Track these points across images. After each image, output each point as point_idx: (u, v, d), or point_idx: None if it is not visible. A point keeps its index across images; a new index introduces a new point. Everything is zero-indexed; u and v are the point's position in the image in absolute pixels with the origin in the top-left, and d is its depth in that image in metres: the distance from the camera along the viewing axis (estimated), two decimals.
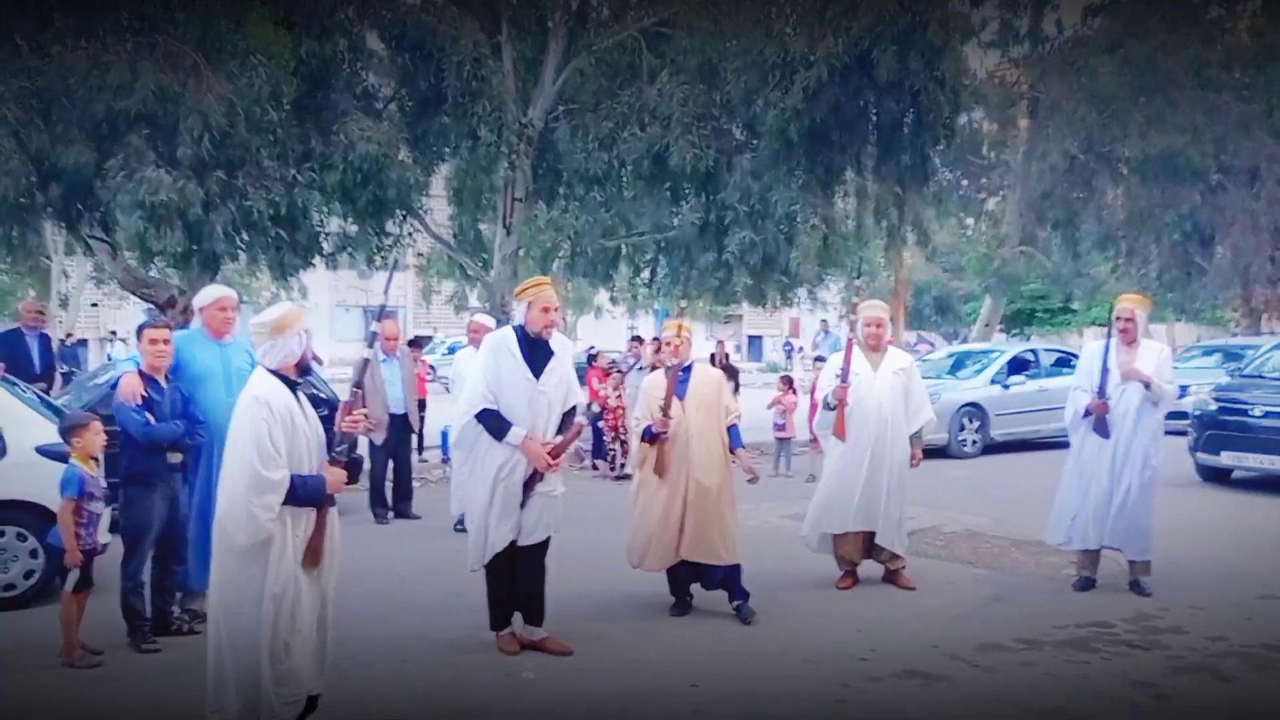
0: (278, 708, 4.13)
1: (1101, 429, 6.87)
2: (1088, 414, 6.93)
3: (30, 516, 6.33)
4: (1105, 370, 6.88)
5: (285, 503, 4.11)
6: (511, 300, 6.07)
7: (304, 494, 4.16)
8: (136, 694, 5.06)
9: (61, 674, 5.33)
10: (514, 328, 5.67)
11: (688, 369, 6.42)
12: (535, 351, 5.56)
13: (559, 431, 5.59)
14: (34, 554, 6.49)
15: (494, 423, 5.45)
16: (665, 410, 6.20)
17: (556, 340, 5.70)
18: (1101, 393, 6.86)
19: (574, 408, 5.70)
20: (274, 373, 4.29)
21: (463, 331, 13.03)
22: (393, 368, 9.75)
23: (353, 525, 9.44)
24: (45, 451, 6.23)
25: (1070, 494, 7.06)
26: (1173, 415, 7.60)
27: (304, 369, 4.40)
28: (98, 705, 4.97)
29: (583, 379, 12.94)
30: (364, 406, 4.45)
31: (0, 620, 6.18)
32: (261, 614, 4.07)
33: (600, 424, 12.85)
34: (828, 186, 14.39)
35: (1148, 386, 6.79)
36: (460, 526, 9.00)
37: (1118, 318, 7.01)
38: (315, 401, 8.98)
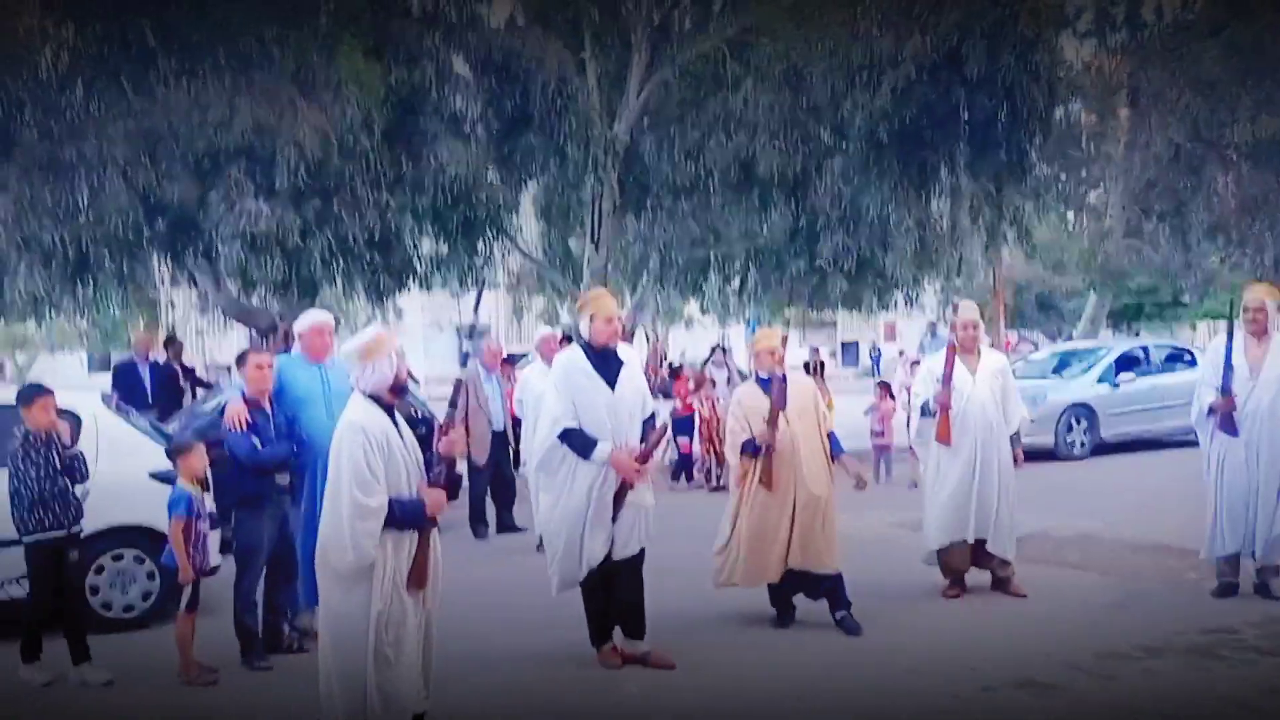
0: None
1: (1228, 426, 6.58)
2: (1212, 412, 6.66)
3: (146, 540, 6.59)
4: (1229, 365, 6.60)
5: (385, 526, 4.17)
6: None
7: (404, 517, 4.22)
8: (251, 712, 5.21)
9: (180, 692, 5.51)
10: (580, 344, 5.72)
11: (784, 378, 6.38)
12: (605, 363, 5.60)
13: (641, 440, 5.60)
14: (151, 576, 6.75)
15: (579, 440, 5.48)
16: (772, 422, 6.17)
17: (623, 349, 5.75)
18: (1225, 389, 6.58)
19: (653, 414, 5.72)
20: (370, 397, 4.35)
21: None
22: (494, 385, 9.89)
23: (453, 542, 9.59)
24: (158, 477, 6.46)
25: (1217, 500, 6.72)
26: None
27: (399, 390, 4.44)
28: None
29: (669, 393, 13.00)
30: (461, 426, 4.51)
31: (121, 641, 6.42)
32: (368, 637, 4.15)
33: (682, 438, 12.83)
34: (921, 187, 14.19)
35: None
36: (542, 548, 9.18)
37: (1245, 308, 6.69)
38: (412, 422, 9.17)
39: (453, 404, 4.57)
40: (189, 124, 10.86)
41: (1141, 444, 14.11)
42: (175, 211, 11.23)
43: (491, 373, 9.94)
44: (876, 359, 45.26)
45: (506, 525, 9.99)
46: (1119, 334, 33.47)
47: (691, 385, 13.03)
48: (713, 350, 14.67)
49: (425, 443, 4.57)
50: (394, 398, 4.42)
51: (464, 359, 6.62)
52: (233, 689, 5.53)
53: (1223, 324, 6.90)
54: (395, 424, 4.36)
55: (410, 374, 4.53)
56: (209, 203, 10.94)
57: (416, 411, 10.28)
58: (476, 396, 9.65)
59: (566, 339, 11.17)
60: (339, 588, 4.22)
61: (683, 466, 13.04)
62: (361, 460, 4.15)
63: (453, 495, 10.17)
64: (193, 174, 11.10)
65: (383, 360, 4.36)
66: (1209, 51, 18.10)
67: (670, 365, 15.67)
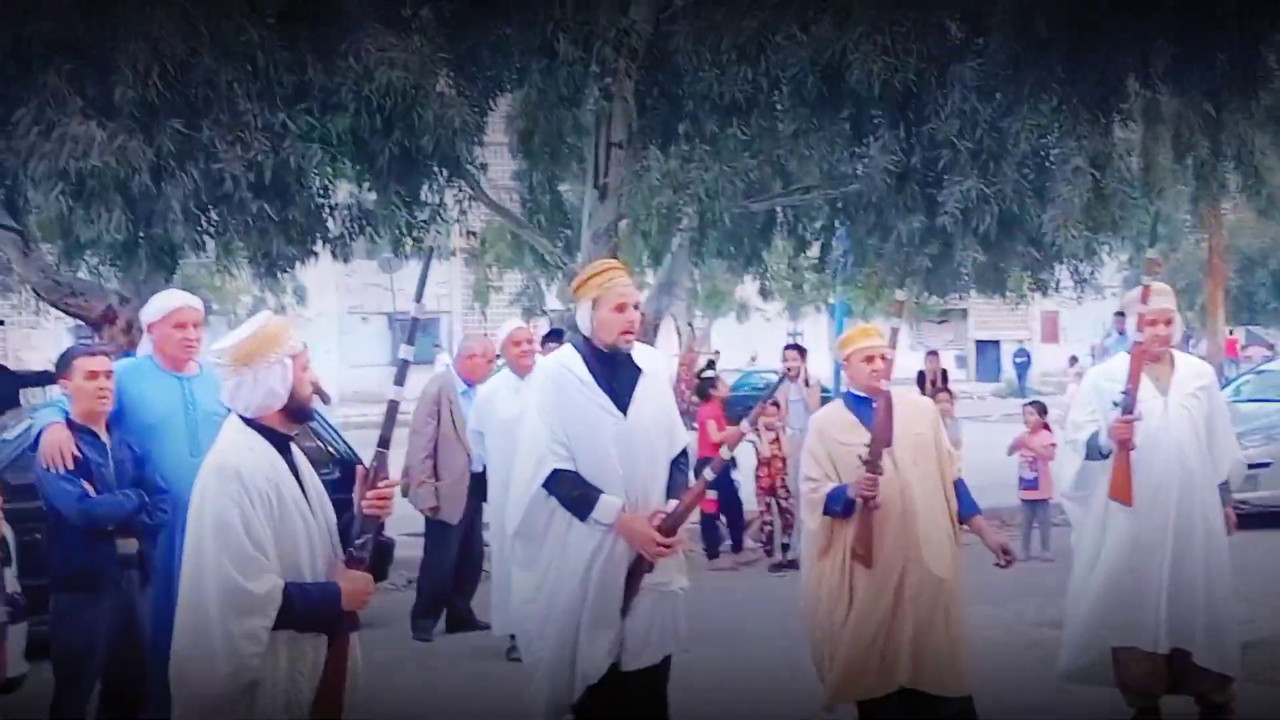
0: None
1: None
2: None
3: None
4: None
5: (278, 626, 4.08)
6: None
7: (307, 612, 4.13)
8: None
9: None
10: (575, 343, 5.75)
11: (889, 399, 6.40)
12: (614, 373, 5.65)
13: (669, 492, 5.63)
14: None
15: (571, 490, 5.51)
16: (874, 464, 6.18)
17: (641, 353, 5.78)
18: None
19: (684, 452, 5.74)
20: (250, 423, 4.31)
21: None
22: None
23: (383, 644, 9.65)
24: None
25: None
26: None
27: (299, 414, 4.40)
28: None
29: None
30: (387, 477, 4.41)
31: None
32: None
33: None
34: (1099, 108, 14.17)
35: None
36: (515, 654, 9.21)
37: None
38: (318, 463, 9.24)
39: (383, 441, 4.47)
40: None
41: None
42: None
43: (474, 386, 10.04)
44: (1023, 367, 45.30)
45: (463, 619, 10.04)
46: None
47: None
48: (784, 352, 14.64)
49: (338, 492, 4.56)
50: (290, 425, 4.39)
51: (401, 368, 6.55)
52: None
53: None
54: (293, 466, 4.33)
55: (318, 389, 4.49)
56: (14, 124, 11.00)
57: (329, 448, 10.36)
58: (452, 422, 9.71)
59: (553, 337, 11.27)
60: (194, 715, 4.17)
61: (709, 534, 13.04)
62: (237, 523, 4.04)
63: (381, 575, 10.25)
64: None
65: (270, 366, 4.28)
66: None
67: (701, 375, 15.65)
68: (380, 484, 4.30)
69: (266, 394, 4.28)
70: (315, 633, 4.19)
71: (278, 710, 4.13)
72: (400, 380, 4.66)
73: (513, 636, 9.27)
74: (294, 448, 4.41)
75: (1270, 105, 18.22)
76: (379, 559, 4.55)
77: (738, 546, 13.32)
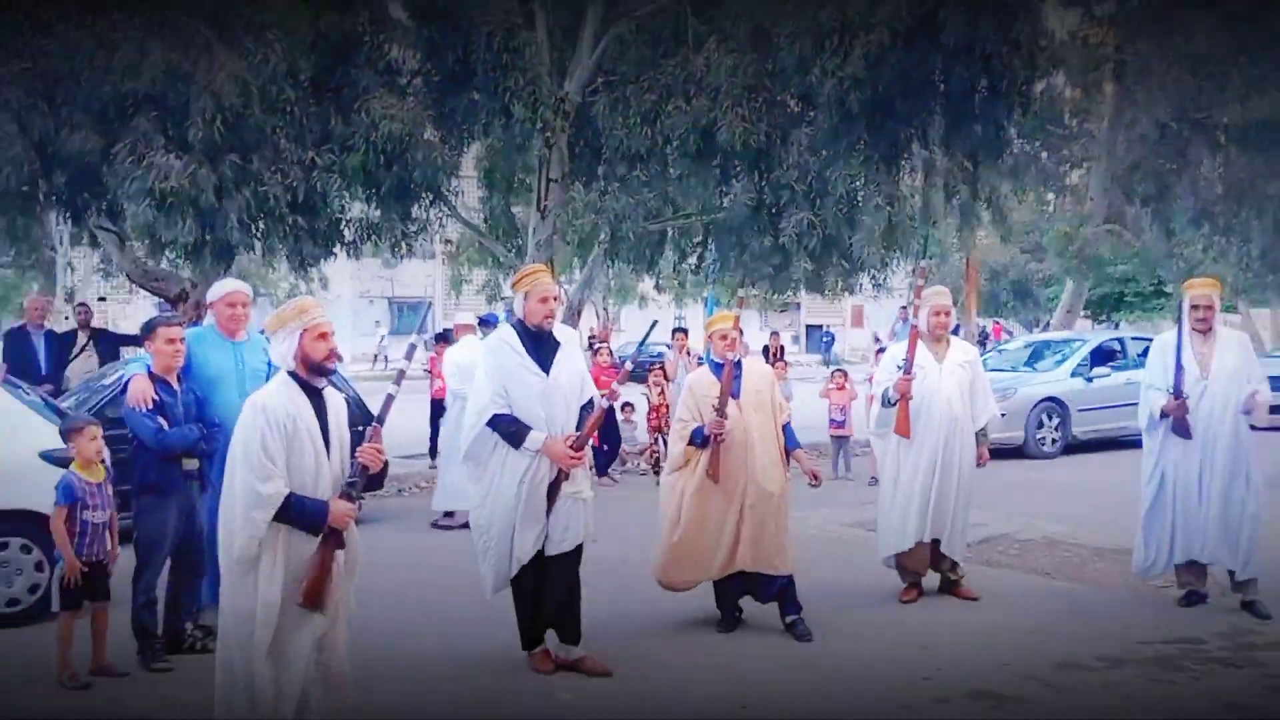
0: None
1: (1182, 430, 6.76)
2: (1164, 416, 6.83)
3: (34, 527, 6.46)
4: (1180, 366, 6.78)
5: (278, 519, 4.09)
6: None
7: (299, 517, 4.12)
8: (145, 715, 5.19)
9: (65, 695, 5.47)
10: (512, 323, 5.74)
11: (738, 364, 6.45)
12: (540, 345, 5.64)
13: (578, 426, 5.63)
14: (39, 567, 6.67)
15: (509, 427, 5.51)
16: (721, 410, 6.23)
17: (560, 330, 5.79)
18: (1177, 392, 6.76)
19: (591, 400, 5.76)
20: (292, 375, 4.29)
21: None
22: None
23: (381, 535, 9.59)
24: (50, 458, 6.38)
25: (1157, 508, 6.91)
26: (1275, 409, 7.48)
27: (315, 369, 4.33)
28: None
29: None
30: (379, 441, 4.36)
31: (4, 637, 6.35)
32: (249, 631, 4.10)
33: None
34: (892, 162, 14.27)
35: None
36: (440, 523, 9.70)
37: (1194, 305, 6.88)
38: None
39: (380, 419, 4.42)
40: (93, 67, 10.64)
41: (1116, 443, 14.39)
42: (76, 164, 10.99)
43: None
44: (829, 344, 45.68)
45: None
46: (1098, 325, 34.05)
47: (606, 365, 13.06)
48: (673, 334, 14.68)
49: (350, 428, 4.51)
50: (314, 377, 4.32)
51: (409, 350, 6.55)
52: (124, 692, 5.50)
53: None
54: (321, 411, 4.30)
55: (335, 352, 4.44)
56: (114, 155, 10.73)
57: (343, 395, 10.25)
58: None
59: (485, 322, 11.29)
60: (230, 574, 4.20)
61: (598, 460, 12.95)
62: (256, 441, 4.08)
63: (377, 485, 10.18)
64: (96, 123, 10.86)
65: (283, 333, 4.29)
66: (1200, 24, 18.33)
67: (591, 340, 15.63)
68: (374, 443, 4.30)
69: (281, 353, 4.31)
70: (308, 534, 4.17)
71: (276, 577, 4.12)
72: (409, 357, 4.70)
73: (446, 514, 9.84)
74: (328, 398, 4.38)
75: (1010, 165, 18.52)
76: (375, 482, 4.52)
77: (601, 473, 13.03)
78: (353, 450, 4.37)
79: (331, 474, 4.29)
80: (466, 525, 6.14)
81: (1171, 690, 5.42)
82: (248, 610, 4.11)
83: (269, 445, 4.09)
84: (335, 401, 4.43)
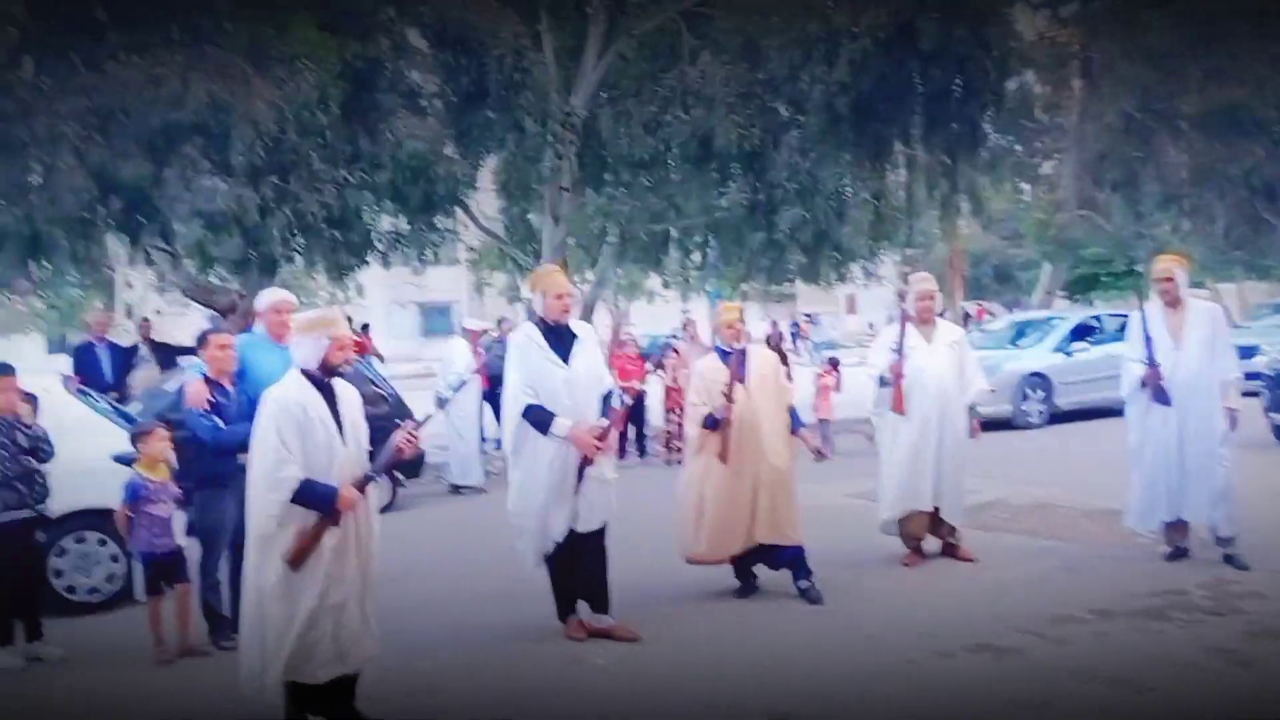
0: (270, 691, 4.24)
1: (1160, 397, 6.71)
2: (1143, 385, 6.80)
3: (111, 523, 6.50)
4: (1148, 338, 6.74)
5: (293, 501, 4.15)
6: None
7: (309, 499, 4.18)
8: (211, 689, 5.21)
9: (146, 671, 5.55)
10: (534, 321, 5.75)
11: (744, 352, 6.43)
12: (559, 339, 5.64)
13: (601, 415, 5.64)
14: (114, 559, 6.73)
15: (538, 416, 5.52)
16: (729, 395, 6.22)
17: (577, 325, 5.80)
18: (1150, 361, 6.72)
19: (610, 391, 5.76)
20: (303, 371, 4.36)
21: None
22: None
23: (419, 515, 9.61)
24: (120, 459, 6.41)
25: (1144, 471, 6.88)
26: (1247, 376, 7.43)
27: (329, 370, 4.40)
28: (170, 701, 5.18)
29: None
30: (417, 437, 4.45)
31: (88, 624, 6.41)
32: (262, 603, 4.20)
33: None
34: (877, 159, 14.29)
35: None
36: (456, 488, 10.56)
37: (1156, 279, 6.85)
38: (376, 399, 9.09)
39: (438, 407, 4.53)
40: (142, 100, 10.67)
41: (1097, 412, 14.33)
42: (130, 190, 11.05)
43: None
44: (795, 333, 45.01)
45: None
46: (1075, 304, 33.90)
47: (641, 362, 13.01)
48: (684, 325, 14.67)
49: (386, 420, 4.56)
50: (326, 375, 4.40)
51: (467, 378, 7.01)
52: (196, 669, 5.55)
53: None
54: (333, 402, 4.36)
55: (376, 351, 4.50)
56: (164, 180, 10.79)
57: (381, 391, 10.29)
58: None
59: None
60: (250, 550, 4.30)
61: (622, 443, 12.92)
62: (271, 430, 4.17)
63: (414, 472, 10.26)
64: (147, 151, 10.91)
65: (312, 338, 4.37)
66: (1158, 22, 18.26)
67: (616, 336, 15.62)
68: (414, 431, 4.44)
69: (306, 354, 4.39)
70: (317, 512, 4.22)
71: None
72: (440, 407, 4.79)
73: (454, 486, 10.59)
74: (339, 390, 4.44)
75: (987, 159, 18.44)
76: (413, 467, 4.62)
77: (643, 452, 13.09)
78: (381, 439, 4.45)
79: (348, 457, 4.34)
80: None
81: (1160, 638, 5.39)
82: (265, 582, 4.20)
83: (283, 433, 4.17)
84: (348, 394, 4.50)
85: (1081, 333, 15.34)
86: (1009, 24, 14.69)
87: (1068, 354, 14.77)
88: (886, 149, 14.56)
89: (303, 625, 4.17)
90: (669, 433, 12.87)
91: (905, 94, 13.45)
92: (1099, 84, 19.86)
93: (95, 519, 6.63)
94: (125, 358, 11.52)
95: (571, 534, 5.61)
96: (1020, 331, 16.35)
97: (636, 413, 12.65)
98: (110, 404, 8.38)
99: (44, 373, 8.46)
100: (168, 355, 11.94)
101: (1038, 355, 14.80)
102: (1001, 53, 13.20)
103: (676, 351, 13.36)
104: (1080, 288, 31.97)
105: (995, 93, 13.74)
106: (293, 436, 4.17)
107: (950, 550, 7.13)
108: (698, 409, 6.41)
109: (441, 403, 4.86)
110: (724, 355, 6.44)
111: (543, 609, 5.85)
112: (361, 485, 4.32)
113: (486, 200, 16.76)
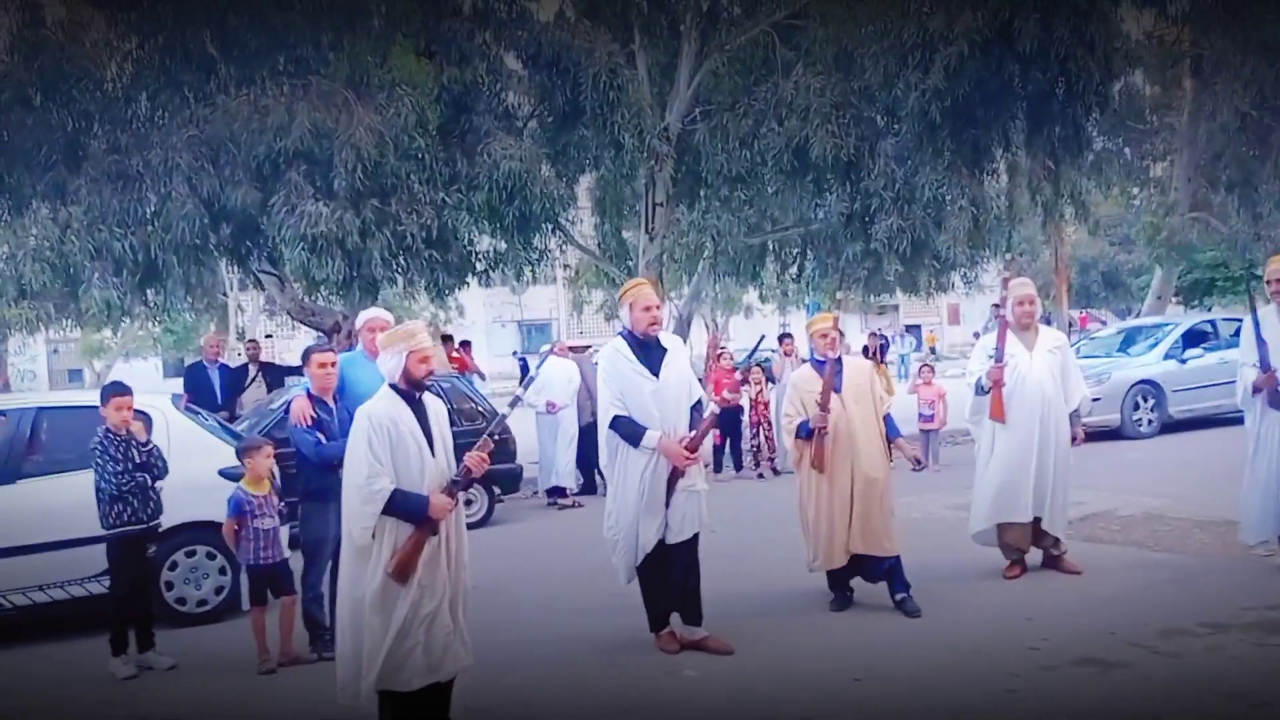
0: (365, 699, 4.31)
1: (1275, 402, 6.43)
2: (1257, 390, 6.51)
3: (219, 536, 6.73)
4: (1261, 341, 6.45)
5: (385, 513, 4.24)
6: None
7: (402, 509, 4.27)
8: (311, 698, 5.35)
9: (249, 679, 5.73)
10: (622, 334, 5.77)
11: (839, 362, 6.38)
12: (648, 352, 5.66)
13: (690, 427, 5.64)
14: (223, 571, 6.97)
15: (627, 428, 5.54)
16: (824, 405, 6.17)
17: (666, 338, 5.80)
18: (1264, 365, 6.43)
19: (699, 401, 5.76)
20: (392, 386, 4.46)
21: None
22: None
23: (516, 530, 9.73)
24: (227, 474, 6.65)
25: (1257, 480, 6.59)
26: None
27: (415, 384, 4.47)
28: (271, 708, 5.35)
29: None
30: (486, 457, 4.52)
31: (198, 633, 6.65)
32: (359, 612, 4.29)
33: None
34: (975, 166, 13.97)
35: None
36: (552, 501, 10.85)
37: (1268, 281, 6.55)
38: (473, 415, 9.26)
39: (493, 435, 4.65)
40: (249, 130, 11.07)
41: (1212, 421, 13.79)
42: (239, 217, 11.46)
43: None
44: (884, 346, 44.05)
45: None
46: (1190, 310, 32.66)
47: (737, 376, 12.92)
48: (780, 339, 14.51)
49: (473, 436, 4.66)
50: (413, 389, 4.47)
51: (526, 382, 6.82)
52: (298, 677, 5.71)
53: None
54: (422, 415, 4.45)
55: (476, 369, 4.61)
56: (271, 207, 11.15)
57: (478, 407, 10.50)
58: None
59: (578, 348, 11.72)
60: (347, 561, 4.42)
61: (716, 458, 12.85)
62: (363, 444, 4.27)
63: (512, 487, 10.48)
64: (254, 179, 11.30)
65: (392, 352, 4.46)
66: (1272, 14, 17.55)
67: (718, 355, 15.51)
68: (482, 451, 4.47)
69: (389, 370, 4.48)
70: (409, 523, 4.30)
71: (382, 562, 4.28)
72: (513, 406, 4.97)
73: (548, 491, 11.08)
74: (427, 404, 4.53)
75: (1092, 162, 17.93)
76: (510, 482, 4.71)
77: (739, 466, 12.97)
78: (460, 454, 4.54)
79: (438, 468, 4.44)
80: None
81: (1276, 653, 5.15)
82: (361, 593, 4.29)
83: (375, 447, 4.27)
84: (435, 407, 4.59)
85: (1195, 339, 14.80)
86: (1113, 22, 14.26)
87: (1181, 361, 14.26)
88: (985, 154, 14.24)
89: (396, 635, 4.26)
90: (754, 445, 12.79)
91: (1004, 98, 13.14)
92: (1211, 82, 19.17)
93: (204, 532, 6.87)
94: (235, 378, 11.96)
95: (662, 545, 5.62)
96: (1130, 339, 15.85)
97: (733, 426, 12.59)
98: (218, 421, 8.70)
99: (157, 394, 8.81)
100: (275, 376, 12.35)
101: (1148, 362, 14.33)
102: (1105, 53, 12.78)
103: (761, 366, 13.26)
104: (1195, 293, 30.81)
105: (1099, 94, 13.30)
106: (384, 450, 4.28)
107: (1053, 562, 6.93)
108: (791, 420, 6.38)
109: (516, 402, 4.90)
110: (818, 365, 6.40)
111: (636, 621, 5.87)
112: (450, 492, 4.41)
113: (583, 218, 16.94)
